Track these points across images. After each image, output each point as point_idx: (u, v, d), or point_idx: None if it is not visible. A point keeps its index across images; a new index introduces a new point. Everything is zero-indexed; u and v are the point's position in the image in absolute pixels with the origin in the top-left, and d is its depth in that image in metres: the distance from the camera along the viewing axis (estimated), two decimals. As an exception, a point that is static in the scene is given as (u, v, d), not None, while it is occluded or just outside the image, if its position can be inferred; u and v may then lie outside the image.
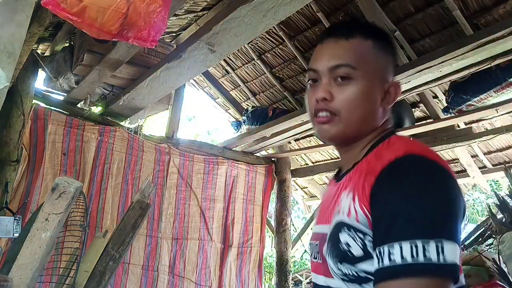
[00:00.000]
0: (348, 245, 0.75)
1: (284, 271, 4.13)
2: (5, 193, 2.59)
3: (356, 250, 0.74)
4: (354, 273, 0.74)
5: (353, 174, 0.83)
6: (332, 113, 0.85)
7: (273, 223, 4.44)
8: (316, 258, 0.89)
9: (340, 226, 0.78)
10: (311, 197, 5.44)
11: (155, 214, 3.54)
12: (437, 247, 0.63)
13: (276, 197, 4.40)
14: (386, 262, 0.66)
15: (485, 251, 2.34)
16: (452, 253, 0.64)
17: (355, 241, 0.74)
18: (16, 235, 1.89)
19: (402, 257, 0.64)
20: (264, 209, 4.25)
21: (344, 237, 0.76)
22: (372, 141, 0.87)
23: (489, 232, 2.48)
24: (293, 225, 4.41)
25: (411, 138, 0.91)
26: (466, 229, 2.76)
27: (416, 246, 0.64)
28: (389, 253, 0.66)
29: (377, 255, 0.68)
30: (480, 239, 2.53)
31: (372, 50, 0.88)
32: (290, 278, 4.16)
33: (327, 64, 0.87)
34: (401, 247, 0.64)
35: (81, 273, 1.85)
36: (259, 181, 4.27)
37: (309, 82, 0.91)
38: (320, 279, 0.86)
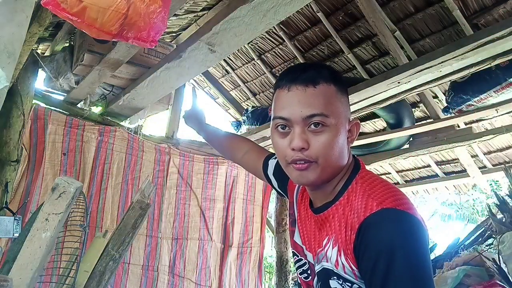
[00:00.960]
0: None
1: (284, 271, 4.13)
2: (5, 193, 2.59)
3: None
4: None
5: (331, 220, 0.90)
6: (309, 160, 0.88)
7: (273, 223, 4.44)
8: (302, 275, 1.00)
9: (330, 274, 0.88)
10: (311, 197, 5.44)
11: (155, 214, 3.54)
12: None
13: (276, 197, 4.40)
14: None
15: (485, 251, 2.34)
16: None
17: (342, 285, 0.86)
18: (16, 235, 1.89)
19: None
20: (264, 209, 4.24)
21: (334, 283, 0.88)
22: (342, 179, 0.93)
23: (489, 232, 2.48)
24: (293, 225, 4.41)
25: (371, 176, 0.94)
26: (466, 229, 2.76)
27: None
28: None
29: None
30: (480, 239, 2.53)
31: (336, 94, 0.90)
32: (290, 278, 4.16)
33: (301, 113, 0.87)
34: None
35: (81, 273, 1.85)
36: (259, 181, 4.26)
37: (278, 127, 0.91)
38: None
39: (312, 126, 0.87)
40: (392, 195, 0.83)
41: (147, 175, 3.50)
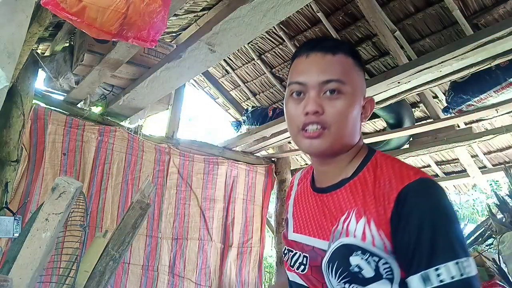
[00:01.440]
0: (359, 267, 0.79)
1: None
2: (5, 193, 2.59)
3: (368, 273, 0.79)
4: None
5: (350, 195, 0.86)
6: (322, 126, 0.86)
7: (273, 223, 4.44)
8: (298, 269, 0.92)
9: (353, 250, 0.80)
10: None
11: (155, 214, 3.54)
12: (471, 262, 0.74)
13: (276, 197, 4.41)
14: (435, 283, 0.73)
15: (485, 251, 2.34)
16: (474, 267, 0.75)
17: (368, 264, 0.79)
18: (16, 235, 1.89)
19: (451, 277, 0.72)
20: (264, 209, 4.25)
21: (356, 260, 0.80)
22: (357, 157, 0.91)
23: (489, 232, 2.48)
24: (293, 225, 4.41)
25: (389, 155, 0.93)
26: (466, 229, 2.76)
27: (462, 264, 0.72)
28: (437, 275, 0.73)
29: (423, 278, 0.74)
30: (480, 239, 2.52)
31: (354, 67, 0.91)
32: (290, 278, 4.15)
33: (317, 78, 0.87)
34: (448, 268, 0.72)
35: (81, 273, 1.85)
36: (259, 181, 4.27)
37: (293, 94, 0.91)
38: None
39: (328, 93, 0.87)
40: (421, 170, 0.85)
41: (147, 175, 3.50)
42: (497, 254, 2.14)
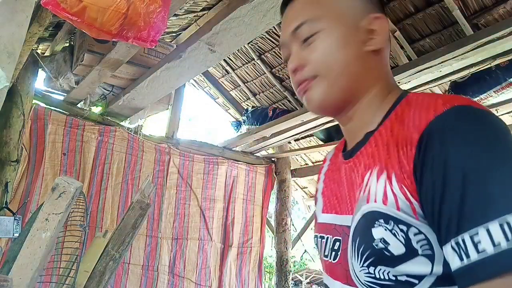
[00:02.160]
0: (385, 242, 0.58)
1: (284, 271, 4.13)
2: (5, 193, 2.59)
3: (397, 248, 0.56)
4: (392, 277, 0.58)
5: (374, 149, 0.65)
6: (313, 76, 0.71)
7: (273, 223, 4.44)
8: (330, 257, 0.72)
9: (373, 219, 0.60)
10: (311, 197, 5.44)
11: (155, 214, 3.54)
12: None
13: (276, 197, 4.41)
14: (474, 256, 0.49)
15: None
16: None
17: (395, 236, 0.57)
18: (16, 235, 1.89)
19: (494, 243, 0.47)
20: (264, 209, 4.25)
21: (379, 232, 0.58)
22: (385, 103, 0.69)
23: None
24: (293, 225, 4.41)
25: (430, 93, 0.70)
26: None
27: (509, 224, 0.47)
28: (474, 243, 0.49)
29: (454, 250, 0.51)
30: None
31: None
32: (290, 278, 4.16)
33: (288, 30, 0.76)
34: (488, 231, 0.48)
35: (81, 273, 1.85)
36: (259, 181, 4.27)
37: (285, 62, 0.79)
38: (337, 285, 0.69)
39: (305, 40, 0.73)
40: (462, 97, 0.60)
41: (147, 175, 3.50)
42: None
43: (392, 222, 0.57)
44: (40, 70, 3.00)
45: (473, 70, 2.48)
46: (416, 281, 0.56)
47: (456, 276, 0.51)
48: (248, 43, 3.96)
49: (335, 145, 0.88)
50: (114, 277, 3.10)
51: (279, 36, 3.84)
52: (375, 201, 0.60)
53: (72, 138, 3.21)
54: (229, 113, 5.01)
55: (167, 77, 2.74)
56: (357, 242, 0.62)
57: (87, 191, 3.20)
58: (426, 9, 3.00)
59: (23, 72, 2.66)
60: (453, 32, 3.01)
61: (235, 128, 4.60)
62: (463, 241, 0.49)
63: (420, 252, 0.56)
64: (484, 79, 2.73)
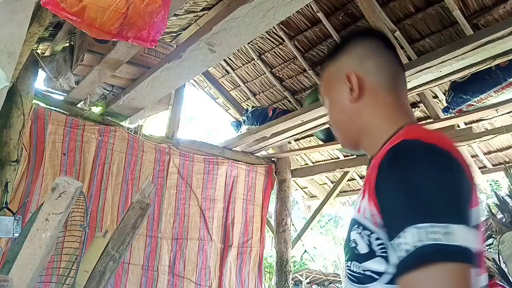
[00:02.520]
0: (355, 242, 0.74)
1: (284, 271, 4.13)
2: (5, 193, 2.59)
3: (362, 248, 0.72)
4: (361, 271, 0.73)
5: (368, 170, 0.82)
6: (332, 127, 0.99)
7: (273, 223, 4.44)
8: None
9: (352, 224, 0.77)
10: (311, 197, 5.44)
11: (155, 214, 3.54)
12: (440, 228, 0.60)
13: (276, 197, 4.40)
14: (402, 253, 0.62)
15: (485, 251, 2.34)
16: (462, 235, 0.60)
17: (362, 238, 0.73)
18: (16, 235, 1.90)
19: (415, 240, 0.60)
20: (264, 209, 4.24)
21: (353, 234, 0.75)
22: (385, 132, 0.84)
23: (489, 232, 2.48)
24: (293, 225, 4.41)
25: (418, 126, 0.88)
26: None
27: (426, 229, 0.60)
28: (401, 244, 0.62)
29: (394, 246, 0.65)
30: (480, 239, 2.53)
31: (330, 71, 0.97)
32: (290, 278, 4.16)
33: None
34: (415, 230, 0.61)
35: (81, 273, 1.85)
36: (259, 181, 4.27)
37: None
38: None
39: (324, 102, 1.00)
40: (426, 131, 0.77)
41: (147, 175, 3.50)
42: (497, 254, 2.14)
43: (361, 227, 0.74)
44: (40, 70, 3.00)
45: (473, 70, 2.48)
46: (377, 277, 0.71)
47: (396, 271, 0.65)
48: (248, 43, 3.96)
49: None
50: (114, 277, 3.10)
51: (279, 36, 3.85)
52: (356, 211, 0.77)
53: (72, 138, 3.21)
54: (229, 113, 5.01)
55: (167, 77, 2.74)
56: (345, 243, 0.80)
57: (87, 191, 3.20)
58: (426, 9, 3.00)
59: (23, 72, 2.65)
60: (453, 32, 3.01)
61: (235, 128, 4.60)
62: (396, 242, 0.63)
63: (377, 253, 0.71)
64: (484, 79, 2.73)
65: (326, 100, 0.97)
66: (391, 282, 0.69)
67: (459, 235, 0.60)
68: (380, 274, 0.71)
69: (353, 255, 0.75)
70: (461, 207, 0.64)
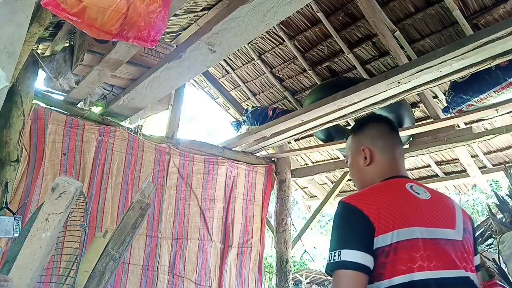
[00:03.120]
0: None
1: (284, 271, 4.12)
2: (5, 193, 2.59)
3: None
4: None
5: None
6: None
7: (273, 223, 4.44)
8: None
9: None
10: (311, 197, 5.44)
11: (155, 214, 3.53)
12: (336, 252, 1.09)
13: (276, 197, 4.40)
14: (326, 263, 1.13)
15: (485, 251, 2.34)
16: (347, 255, 1.07)
17: None
18: (16, 235, 1.89)
19: (328, 259, 1.11)
20: (264, 209, 4.24)
21: None
22: None
23: (489, 232, 2.48)
24: (293, 225, 4.41)
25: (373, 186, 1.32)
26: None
27: (331, 253, 1.10)
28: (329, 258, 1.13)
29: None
30: (480, 239, 2.52)
31: (351, 141, 1.45)
32: (290, 278, 4.16)
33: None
34: (329, 254, 1.11)
35: (81, 273, 1.85)
36: (259, 181, 4.27)
37: None
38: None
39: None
40: (355, 193, 1.28)
41: (147, 175, 3.50)
42: (497, 254, 2.14)
43: None
44: (40, 70, 3.00)
45: (473, 70, 2.48)
46: None
47: None
48: (248, 43, 3.96)
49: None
50: (114, 277, 3.10)
51: (279, 36, 3.85)
52: None
53: (72, 138, 3.21)
54: (229, 113, 5.01)
55: (167, 77, 2.74)
56: None
57: (87, 191, 3.19)
58: (426, 9, 3.00)
59: (23, 72, 2.65)
60: (453, 32, 3.01)
61: (235, 128, 4.60)
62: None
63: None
64: (484, 79, 2.73)
65: (349, 159, 1.43)
66: None
67: (344, 255, 1.07)
68: None
69: None
70: (350, 238, 1.11)
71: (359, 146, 1.38)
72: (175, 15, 3.58)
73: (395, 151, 1.38)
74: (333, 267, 1.08)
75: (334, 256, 1.08)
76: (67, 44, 3.18)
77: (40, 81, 3.17)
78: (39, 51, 3.32)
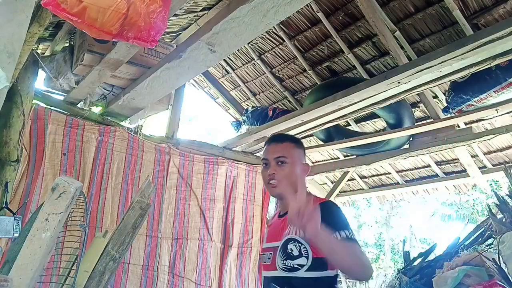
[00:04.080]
0: (291, 249, 1.46)
1: (284, 271, 4.12)
2: (5, 193, 2.59)
3: (295, 252, 1.45)
4: (291, 266, 1.45)
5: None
6: (277, 181, 1.58)
7: (273, 223, 4.43)
8: (266, 262, 1.58)
9: (289, 240, 1.48)
10: (311, 197, 5.43)
11: (155, 214, 3.53)
12: (352, 231, 1.44)
13: (276, 197, 4.39)
14: (344, 236, 1.41)
15: (485, 251, 2.34)
16: (356, 234, 1.60)
17: (295, 247, 1.46)
18: (16, 235, 1.89)
19: (348, 234, 1.42)
20: (264, 209, 4.24)
21: (290, 246, 1.47)
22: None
23: (489, 232, 2.48)
24: (293, 225, 4.40)
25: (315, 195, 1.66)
26: (466, 229, 2.76)
27: (348, 231, 1.42)
28: (342, 233, 1.41)
29: (335, 234, 1.40)
30: (480, 239, 2.52)
31: (293, 148, 1.65)
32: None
33: (273, 156, 1.61)
34: (348, 231, 1.43)
35: (81, 273, 1.85)
36: (259, 181, 4.26)
37: (263, 165, 1.65)
38: (269, 273, 1.56)
39: (279, 163, 1.60)
40: (323, 199, 1.62)
41: (147, 175, 3.49)
42: (497, 254, 2.14)
43: (296, 241, 1.46)
44: (40, 70, 3.00)
45: (473, 70, 2.48)
46: (300, 268, 1.43)
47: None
48: (248, 43, 3.96)
49: (276, 214, 1.80)
50: (114, 277, 3.10)
51: (279, 36, 3.85)
52: (292, 233, 1.49)
53: (72, 138, 3.21)
54: (229, 113, 5.01)
55: (167, 77, 2.74)
56: (281, 251, 1.49)
57: (87, 191, 3.19)
58: (426, 9, 3.00)
59: (23, 72, 2.65)
60: (453, 32, 3.01)
61: (235, 128, 4.60)
62: (338, 232, 1.46)
63: (303, 254, 1.44)
64: (484, 79, 2.73)
65: (293, 165, 1.60)
66: (307, 270, 1.43)
67: (354, 234, 1.45)
68: (302, 266, 1.43)
69: (289, 256, 1.46)
70: (350, 225, 1.48)
71: (301, 158, 1.67)
72: (175, 15, 3.58)
73: None
74: (351, 239, 1.43)
75: (349, 232, 1.43)
76: (67, 44, 3.19)
77: (40, 81, 3.17)
78: (39, 51, 3.32)
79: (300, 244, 1.43)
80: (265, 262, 1.59)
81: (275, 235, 1.60)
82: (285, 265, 1.44)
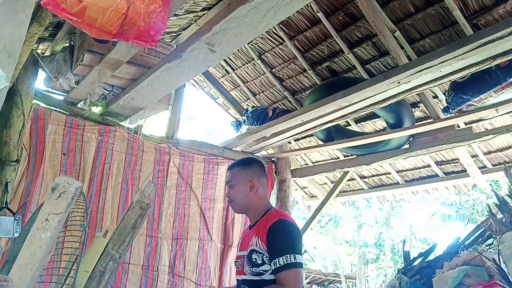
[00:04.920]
0: (255, 258, 1.77)
1: (284, 271, 4.11)
2: (5, 193, 2.59)
3: (259, 261, 1.76)
4: (257, 271, 1.76)
5: (257, 227, 1.85)
6: (230, 200, 1.98)
7: (273, 223, 4.43)
8: (238, 267, 1.90)
9: (252, 251, 1.79)
10: (311, 197, 5.44)
11: (155, 214, 3.54)
12: (294, 256, 1.69)
13: (276, 197, 4.40)
14: (281, 263, 1.68)
15: (485, 251, 2.34)
16: (299, 258, 1.71)
17: (258, 257, 1.76)
18: (16, 235, 1.89)
19: (285, 260, 1.68)
20: (264, 209, 4.24)
21: (254, 256, 1.78)
22: (262, 212, 1.91)
23: (489, 232, 2.48)
24: (293, 225, 4.41)
25: (279, 210, 2.10)
26: (466, 229, 2.76)
27: (289, 256, 1.68)
28: (280, 260, 1.69)
29: (274, 262, 1.70)
30: (480, 239, 2.52)
31: (240, 171, 1.98)
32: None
33: (226, 181, 2.05)
34: (286, 256, 1.68)
35: (81, 273, 1.85)
36: (259, 181, 4.26)
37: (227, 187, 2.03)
38: (240, 277, 1.87)
39: (230, 187, 1.98)
40: (285, 215, 1.89)
41: (147, 175, 3.50)
42: (497, 254, 2.14)
43: (257, 252, 1.78)
44: (40, 70, 3.00)
45: (473, 70, 2.48)
46: (265, 272, 1.75)
47: (273, 271, 1.72)
48: (248, 43, 3.96)
49: (248, 226, 2.06)
50: (114, 277, 3.10)
51: (279, 36, 3.85)
52: (254, 246, 1.80)
53: (72, 138, 3.21)
54: (229, 113, 5.01)
55: (167, 77, 2.74)
56: (248, 259, 1.81)
57: (87, 191, 3.20)
58: (426, 9, 3.00)
59: (23, 72, 2.65)
60: (453, 32, 3.01)
61: (235, 128, 4.60)
62: (278, 259, 1.71)
63: (266, 262, 1.75)
64: (484, 79, 2.73)
65: (237, 186, 1.93)
66: (271, 273, 1.71)
67: (297, 258, 1.70)
68: (266, 271, 1.74)
69: (254, 264, 1.77)
70: (298, 247, 1.75)
71: (248, 178, 1.93)
72: (175, 15, 3.58)
73: (266, 188, 2.01)
74: (290, 266, 1.67)
75: (291, 258, 1.68)
76: (67, 44, 3.19)
77: (40, 81, 3.17)
78: (39, 51, 3.32)
79: (262, 255, 1.74)
80: (238, 268, 1.92)
81: (244, 245, 1.91)
82: (252, 271, 1.77)
